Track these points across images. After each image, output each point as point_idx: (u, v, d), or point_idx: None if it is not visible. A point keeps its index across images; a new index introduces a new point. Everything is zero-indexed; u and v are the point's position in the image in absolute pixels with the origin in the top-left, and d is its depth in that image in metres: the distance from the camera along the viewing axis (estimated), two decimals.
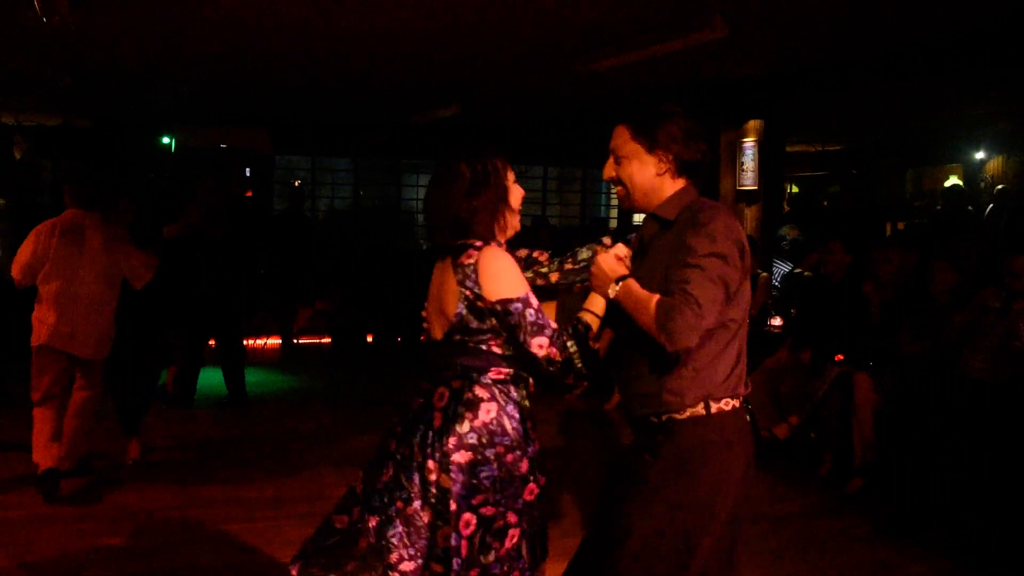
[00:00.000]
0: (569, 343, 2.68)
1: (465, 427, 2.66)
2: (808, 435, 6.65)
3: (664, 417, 2.69)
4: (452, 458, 2.63)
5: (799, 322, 7.09)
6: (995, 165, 14.74)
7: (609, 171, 2.84)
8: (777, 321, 7.73)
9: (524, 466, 2.73)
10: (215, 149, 12.89)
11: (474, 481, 2.63)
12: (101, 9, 6.24)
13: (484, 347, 2.72)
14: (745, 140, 9.15)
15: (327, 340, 11.84)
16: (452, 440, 2.65)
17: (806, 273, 7.45)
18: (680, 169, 2.75)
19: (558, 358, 2.66)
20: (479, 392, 2.70)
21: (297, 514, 5.26)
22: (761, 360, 7.08)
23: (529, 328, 2.64)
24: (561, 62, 7.75)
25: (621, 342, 2.82)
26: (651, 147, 2.73)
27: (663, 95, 9.38)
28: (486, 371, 2.72)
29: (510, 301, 2.65)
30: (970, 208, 12.09)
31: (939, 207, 12.97)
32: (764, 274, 8.01)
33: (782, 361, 6.92)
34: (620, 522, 2.66)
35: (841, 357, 6.48)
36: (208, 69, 8.70)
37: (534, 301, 2.67)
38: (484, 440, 2.67)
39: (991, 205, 11.88)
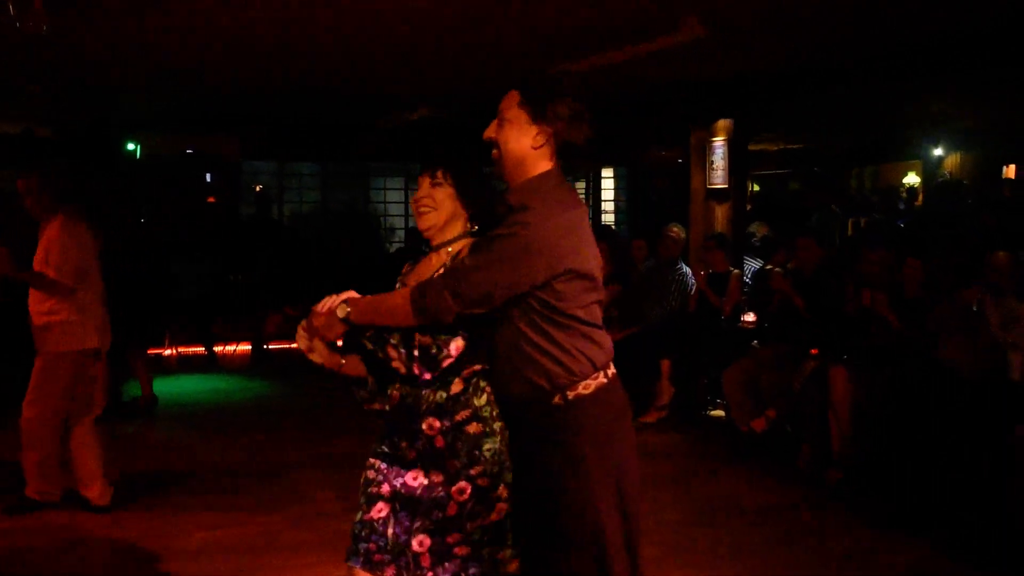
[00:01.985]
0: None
1: (483, 399, 2.79)
2: (785, 428, 6.76)
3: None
4: (465, 429, 2.75)
5: (775, 317, 7.19)
6: (953, 161, 15.03)
7: (490, 132, 2.84)
8: (750, 317, 7.84)
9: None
10: (181, 155, 12.81)
11: (476, 452, 2.73)
12: (74, 15, 6.20)
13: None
14: (715, 139, 9.26)
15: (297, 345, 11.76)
16: (465, 412, 2.76)
17: (776, 270, 7.55)
18: (556, 150, 2.75)
19: None
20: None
21: (288, 519, 5.28)
22: (737, 355, 7.19)
23: None
24: (534, 64, 7.78)
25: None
26: (535, 117, 2.71)
27: (634, 95, 9.48)
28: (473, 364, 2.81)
29: None
30: (968, 202, 12.31)
31: (902, 204, 13.20)
32: (736, 271, 8.12)
33: (757, 356, 7.03)
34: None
35: (816, 351, 6.59)
36: (176, 76, 8.65)
37: None
38: (495, 413, 2.79)
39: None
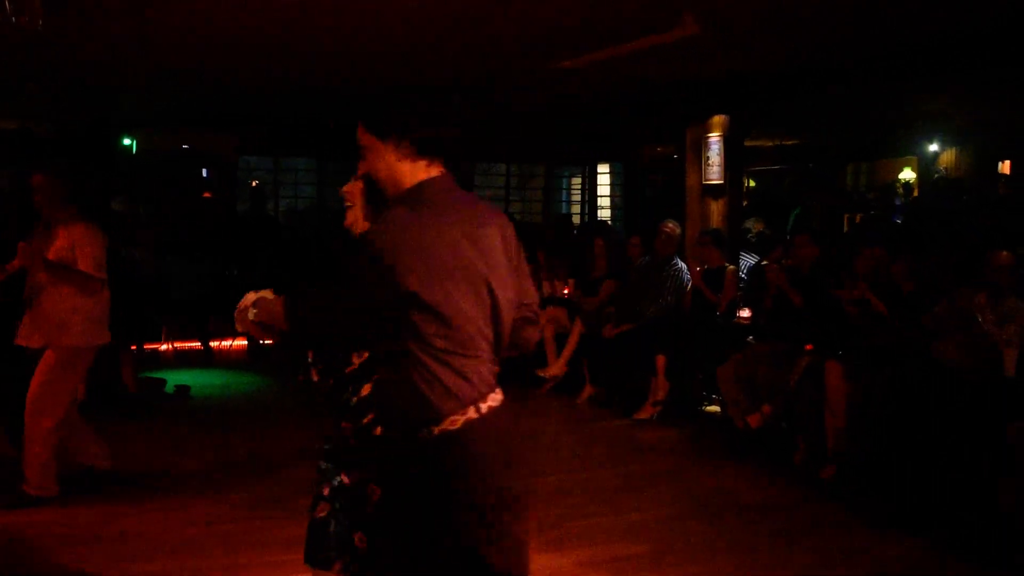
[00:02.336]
0: None
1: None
2: (780, 424, 6.77)
3: None
4: (372, 432, 2.77)
5: (770, 313, 7.20)
6: (949, 157, 15.03)
7: (360, 169, 2.85)
8: (745, 313, 7.87)
9: None
10: (177, 151, 12.80)
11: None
12: (71, 13, 6.19)
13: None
14: (710, 135, 9.27)
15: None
16: (372, 415, 2.79)
17: (773, 264, 7.58)
18: (419, 150, 2.61)
19: None
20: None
21: (286, 512, 5.29)
22: (732, 351, 7.20)
23: None
24: (532, 61, 7.80)
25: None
26: (382, 135, 2.64)
27: (630, 92, 9.50)
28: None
29: None
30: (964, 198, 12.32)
31: (897, 200, 13.20)
32: (731, 267, 8.13)
33: (753, 352, 7.04)
34: None
35: (811, 347, 6.60)
36: (174, 74, 8.66)
37: None
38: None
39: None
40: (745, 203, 13.12)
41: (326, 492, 2.86)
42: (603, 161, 16.48)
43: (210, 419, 7.84)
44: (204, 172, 13.59)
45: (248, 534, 5.05)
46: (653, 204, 15.37)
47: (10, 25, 5.79)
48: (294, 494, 5.62)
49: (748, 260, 8.84)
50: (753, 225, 10.02)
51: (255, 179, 14.41)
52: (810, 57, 7.79)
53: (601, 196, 16.76)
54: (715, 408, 7.83)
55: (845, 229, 13.32)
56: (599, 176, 16.77)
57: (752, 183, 17.00)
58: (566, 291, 9.52)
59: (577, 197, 16.99)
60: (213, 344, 10.91)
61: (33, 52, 7.35)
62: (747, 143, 10.44)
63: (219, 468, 6.37)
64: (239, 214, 13.46)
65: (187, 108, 11.36)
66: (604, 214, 16.60)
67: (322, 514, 2.84)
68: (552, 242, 10.69)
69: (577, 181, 16.98)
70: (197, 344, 10.79)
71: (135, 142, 12.62)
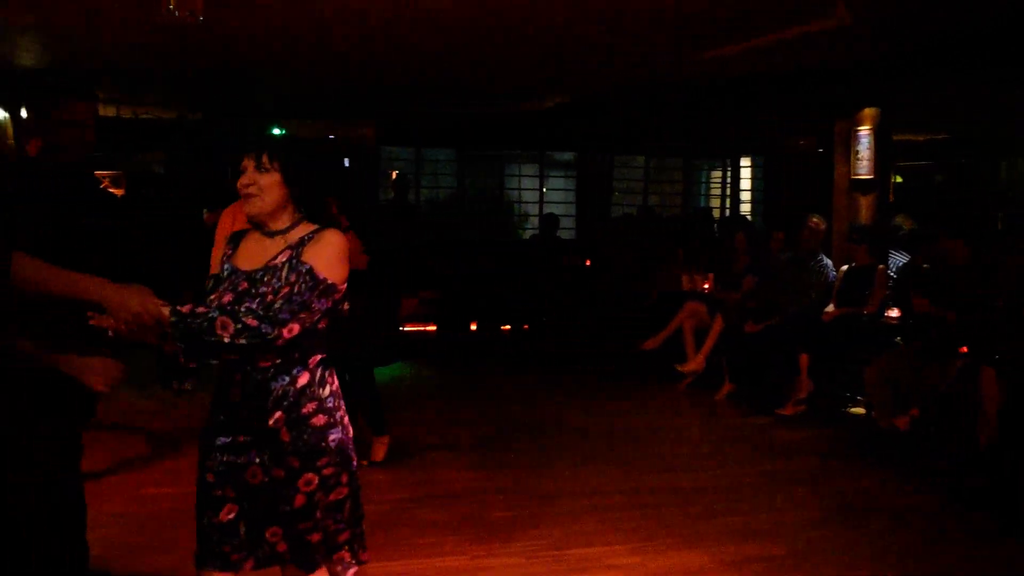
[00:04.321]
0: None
1: (326, 391, 2.83)
2: (929, 427, 6.53)
3: None
4: (311, 421, 2.78)
5: (920, 314, 6.95)
6: None
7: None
8: (894, 313, 7.62)
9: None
10: (323, 140, 13.13)
11: (323, 444, 2.78)
12: (228, 6, 6.42)
13: (320, 326, 2.81)
14: (860, 128, 9.02)
15: (432, 328, 12.00)
16: (311, 404, 2.79)
17: (924, 265, 7.31)
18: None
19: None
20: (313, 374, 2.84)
21: (414, 497, 5.39)
22: (880, 352, 6.99)
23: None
24: (674, 51, 7.71)
25: None
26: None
27: (775, 82, 9.29)
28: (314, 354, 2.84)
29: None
30: None
31: None
32: (881, 266, 7.88)
33: (902, 353, 6.82)
34: None
35: (965, 349, 6.35)
36: (320, 63, 8.88)
37: None
38: (339, 403, 2.88)
39: None
40: (892, 199, 12.71)
41: (232, 494, 2.78)
42: (745, 154, 16.17)
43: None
44: (346, 161, 13.90)
45: (390, 514, 5.13)
46: (796, 198, 15.02)
47: (172, 19, 6.05)
48: (426, 480, 5.77)
49: (898, 258, 8.53)
50: (903, 222, 9.66)
51: (396, 169, 14.66)
52: (963, 39, 7.45)
53: (743, 190, 16.46)
54: (860, 410, 7.61)
55: (999, 227, 12.73)
56: (741, 169, 16.47)
57: (899, 179, 16.44)
58: (706, 286, 9.39)
59: (716, 191, 16.71)
60: None
61: (191, 44, 7.65)
62: (895, 137, 10.12)
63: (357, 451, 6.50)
64: (382, 203, 13.72)
65: (331, 98, 11.64)
66: (745, 208, 16.29)
67: (230, 516, 2.77)
68: (692, 236, 10.56)
69: (716, 174, 16.70)
70: None
71: (283, 133, 12.99)
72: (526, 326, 12.21)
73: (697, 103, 11.20)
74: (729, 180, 16.34)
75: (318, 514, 2.79)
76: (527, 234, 14.98)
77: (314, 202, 2.90)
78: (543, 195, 15.32)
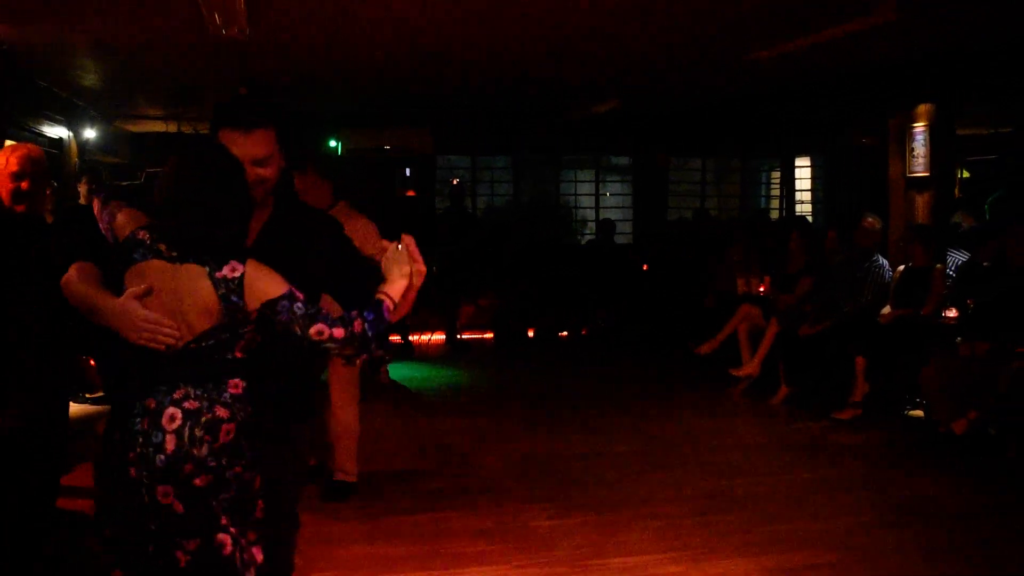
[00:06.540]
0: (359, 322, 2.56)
1: (204, 450, 2.51)
2: (988, 430, 6.40)
3: None
4: (193, 482, 2.51)
5: (977, 313, 6.82)
6: None
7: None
8: (952, 312, 7.47)
9: (257, 483, 2.64)
10: (379, 151, 13.25)
11: (213, 503, 2.53)
12: (274, 19, 6.55)
13: (229, 355, 2.60)
14: (915, 125, 8.85)
15: (490, 335, 12.06)
16: (189, 465, 2.50)
17: (984, 263, 7.16)
18: None
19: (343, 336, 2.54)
20: (219, 412, 2.54)
21: (473, 505, 5.42)
22: (937, 352, 6.87)
23: (301, 321, 2.53)
24: (727, 52, 7.68)
25: None
26: None
27: (827, 81, 9.20)
28: (225, 385, 2.59)
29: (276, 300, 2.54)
30: None
31: None
32: (939, 266, 7.73)
33: (960, 353, 6.69)
34: None
35: (1023, 349, 6.22)
36: (373, 73, 9.00)
37: (299, 294, 2.55)
38: (224, 462, 2.54)
39: None
40: (958, 195, 12.45)
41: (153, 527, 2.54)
42: (801, 154, 15.98)
43: (397, 414, 8.03)
44: (407, 171, 14.02)
45: (443, 521, 5.19)
46: (853, 198, 14.78)
47: (220, 37, 6.20)
48: (484, 488, 5.81)
49: (957, 257, 8.35)
50: (962, 219, 9.45)
51: (455, 177, 14.76)
52: (1004, 31, 7.30)
53: (800, 190, 16.25)
54: (918, 412, 7.47)
55: None
56: (797, 169, 16.27)
57: (966, 174, 16.08)
58: (762, 288, 9.30)
59: (776, 192, 16.53)
60: (412, 338, 11.28)
61: (240, 60, 7.81)
62: (960, 131, 9.92)
63: (411, 456, 6.61)
64: (439, 211, 13.82)
65: (385, 106, 11.76)
66: (804, 208, 16.08)
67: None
68: (746, 237, 10.47)
69: (777, 175, 16.52)
70: (397, 338, 11.17)
71: (340, 144, 13.14)
72: (584, 331, 12.23)
73: (751, 103, 11.13)
74: (786, 180, 16.16)
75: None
76: (584, 240, 14.97)
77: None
78: (599, 200, 15.31)
